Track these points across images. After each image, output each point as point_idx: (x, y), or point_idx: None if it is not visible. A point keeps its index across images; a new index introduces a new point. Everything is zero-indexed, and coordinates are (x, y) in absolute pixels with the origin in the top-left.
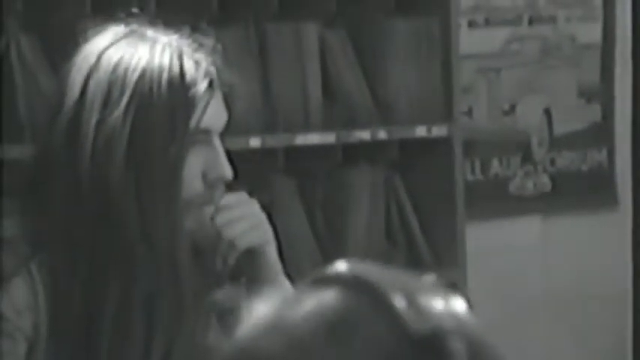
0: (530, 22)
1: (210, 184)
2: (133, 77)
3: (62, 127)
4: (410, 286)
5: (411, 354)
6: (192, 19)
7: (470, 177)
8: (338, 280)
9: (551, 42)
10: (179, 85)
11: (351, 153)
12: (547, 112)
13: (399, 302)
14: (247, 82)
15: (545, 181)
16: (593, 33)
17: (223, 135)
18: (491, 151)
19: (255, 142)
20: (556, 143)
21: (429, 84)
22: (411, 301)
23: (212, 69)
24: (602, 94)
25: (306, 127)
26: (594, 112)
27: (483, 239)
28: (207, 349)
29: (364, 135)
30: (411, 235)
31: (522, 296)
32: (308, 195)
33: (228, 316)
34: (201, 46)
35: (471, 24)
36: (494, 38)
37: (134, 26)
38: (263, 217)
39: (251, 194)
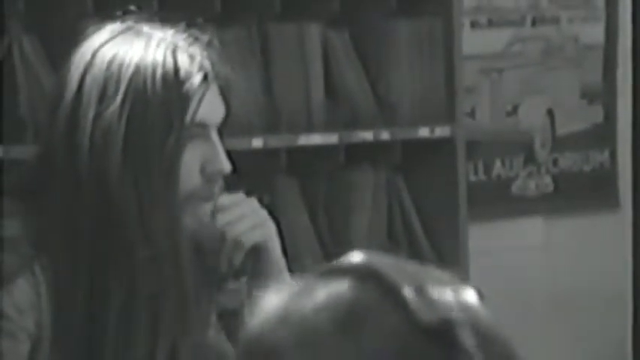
0: (533, 22)
1: (208, 178)
2: (128, 72)
3: (60, 123)
4: (420, 278)
5: (420, 344)
6: (194, 20)
7: (472, 178)
8: (348, 270)
9: (553, 43)
10: (173, 79)
11: (354, 153)
12: (550, 113)
13: (409, 293)
14: (250, 82)
15: (547, 181)
16: (595, 34)
17: (224, 134)
18: (493, 151)
19: (257, 143)
20: (558, 144)
21: (431, 84)
22: (421, 292)
23: (207, 62)
24: (604, 95)
25: (309, 128)
26: (597, 113)
27: (486, 240)
28: (208, 347)
29: (367, 135)
30: (413, 236)
31: (524, 296)
32: (310, 195)
33: (231, 317)
34: (196, 40)
35: (474, 24)
36: (497, 39)
37: (130, 23)
38: (264, 213)
39: (249, 194)
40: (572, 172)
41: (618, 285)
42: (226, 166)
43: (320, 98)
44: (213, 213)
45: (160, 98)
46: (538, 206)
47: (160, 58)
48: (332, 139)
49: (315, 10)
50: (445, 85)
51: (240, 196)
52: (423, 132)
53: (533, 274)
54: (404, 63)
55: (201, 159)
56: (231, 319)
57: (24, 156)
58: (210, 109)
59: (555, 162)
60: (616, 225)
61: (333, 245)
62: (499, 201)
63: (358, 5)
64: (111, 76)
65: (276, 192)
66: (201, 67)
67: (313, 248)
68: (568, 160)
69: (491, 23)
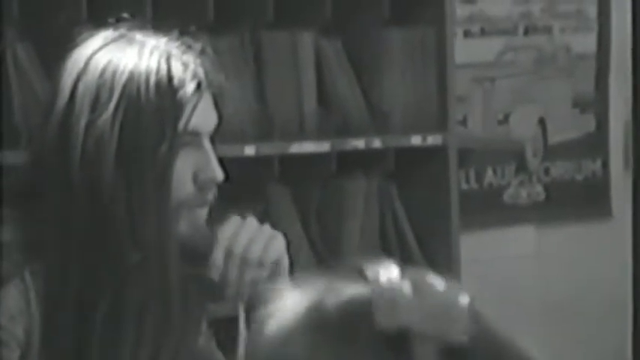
0: (526, 32)
1: (201, 186)
2: (121, 80)
3: (53, 130)
4: (399, 282)
5: (379, 350)
6: (187, 28)
7: (464, 186)
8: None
9: (546, 52)
10: (166, 87)
11: (346, 162)
12: (541, 122)
13: (378, 297)
14: (243, 90)
15: (539, 190)
16: (587, 43)
17: (217, 141)
18: (485, 160)
19: (250, 151)
20: (550, 153)
21: (424, 93)
22: (391, 297)
23: (200, 70)
24: (596, 104)
25: (301, 136)
26: (588, 122)
27: (477, 248)
28: (197, 355)
29: (359, 144)
30: (405, 244)
31: (516, 305)
32: (303, 203)
33: (221, 325)
34: (189, 48)
35: (467, 34)
36: (489, 48)
37: (123, 30)
38: (269, 229)
39: (242, 202)
40: (564, 180)
41: (611, 294)
42: (219, 174)
43: (312, 106)
44: (231, 247)
45: (153, 106)
46: (530, 215)
47: (153, 66)
48: (324, 147)
49: (307, 18)
50: (437, 93)
51: (236, 219)
52: (415, 140)
53: (525, 282)
54: (396, 71)
55: (194, 167)
56: (221, 328)
57: (17, 163)
58: (203, 117)
59: (547, 171)
60: (608, 234)
61: (325, 253)
62: (491, 209)
63: (351, 14)
64: (104, 83)
65: (269, 200)
66: (194, 75)
67: (305, 256)
68: (560, 169)
69: (483, 32)
